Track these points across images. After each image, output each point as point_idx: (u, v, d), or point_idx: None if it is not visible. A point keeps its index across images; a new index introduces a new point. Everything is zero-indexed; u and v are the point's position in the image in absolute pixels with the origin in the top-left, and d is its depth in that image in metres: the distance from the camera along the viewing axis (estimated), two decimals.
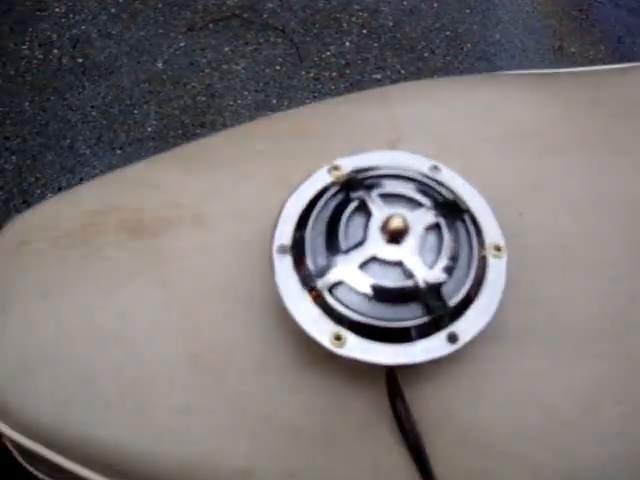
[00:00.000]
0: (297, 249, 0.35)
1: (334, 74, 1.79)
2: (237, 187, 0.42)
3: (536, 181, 0.43)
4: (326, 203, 0.36)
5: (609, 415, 0.37)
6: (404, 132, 0.44)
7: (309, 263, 0.34)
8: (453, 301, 0.34)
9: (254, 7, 1.89)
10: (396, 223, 0.33)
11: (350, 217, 0.35)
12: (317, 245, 0.35)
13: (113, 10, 1.86)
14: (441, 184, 0.37)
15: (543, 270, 0.39)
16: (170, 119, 1.69)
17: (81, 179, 1.58)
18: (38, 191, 1.57)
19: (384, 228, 0.34)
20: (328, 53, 1.83)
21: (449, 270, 0.34)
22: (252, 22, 1.86)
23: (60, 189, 1.58)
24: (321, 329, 0.34)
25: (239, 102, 1.73)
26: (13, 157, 1.64)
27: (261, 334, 0.37)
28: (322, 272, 0.34)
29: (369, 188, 0.36)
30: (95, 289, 0.39)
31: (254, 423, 0.36)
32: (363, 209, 0.36)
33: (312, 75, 1.79)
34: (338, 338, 0.33)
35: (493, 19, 2.01)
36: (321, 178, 0.37)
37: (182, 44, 1.82)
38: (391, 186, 0.36)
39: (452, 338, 0.34)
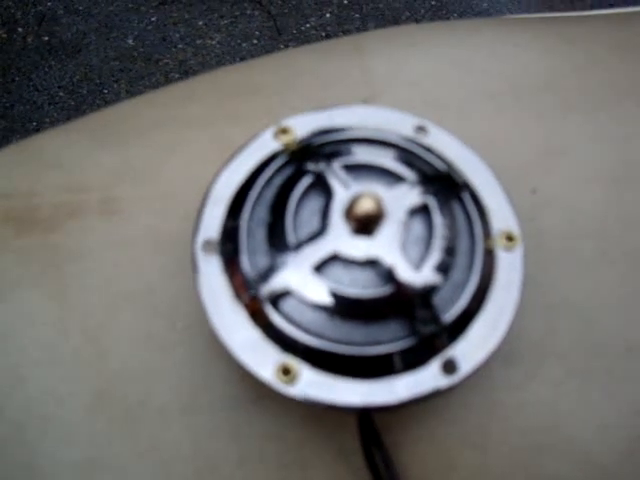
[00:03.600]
0: (229, 245, 0.24)
1: None
2: (160, 162, 0.31)
3: (551, 147, 0.33)
4: (270, 179, 0.25)
5: None
6: (380, 86, 0.33)
7: (244, 265, 0.24)
8: (449, 315, 0.23)
9: None
10: (366, 206, 0.22)
11: (303, 198, 0.24)
12: (257, 239, 0.24)
13: None
14: (429, 150, 0.26)
15: (566, 265, 0.29)
16: None
17: None
18: None
19: (349, 213, 0.23)
20: (307, 25, 1.72)
21: (443, 270, 0.24)
22: None
23: None
24: (263, 359, 0.23)
25: None
26: None
27: (188, 360, 0.27)
28: (263, 277, 0.23)
29: (330, 157, 0.25)
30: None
31: None
32: (321, 187, 0.25)
33: (290, 47, 1.68)
34: (286, 372, 0.23)
35: None
36: (265, 144, 0.26)
37: (153, 19, 1.70)
38: (360, 154, 0.25)
39: (449, 367, 0.23)
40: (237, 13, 1.73)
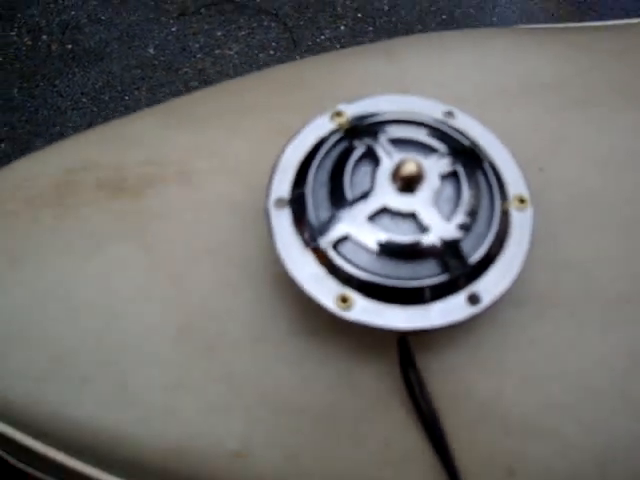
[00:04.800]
0: (297, 203, 0.31)
1: None
2: (227, 142, 0.37)
3: (557, 135, 0.39)
4: (328, 151, 0.32)
5: None
6: (413, 82, 0.39)
7: (311, 217, 0.30)
8: (473, 258, 0.30)
9: None
10: (409, 168, 0.29)
11: (356, 165, 0.31)
12: (319, 197, 0.31)
13: None
14: (457, 130, 0.33)
15: (569, 229, 0.35)
16: None
17: None
18: None
19: (395, 175, 0.30)
20: (323, 37, 1.79)
21: (468, 224, 0.30)
22: (245, 6, 1.81)
23: None
24: (325, 290, 0.29)
25: None
26: (2, 144, 1.59)
27: (257, 300, 0.33)
28: (325, 227, 0.30)
29: (376, 134, 0.32)
30: (71, 254, 0.35)
31: (250, 401, 0.32)
32: (370, 156, 0.31)
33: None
34: (344, 300, 0.29)
35: (490, 2, 1.96)
36: (322, 125, 0.33)
37: (174, 29, 1.77)
38: (401, 131, 0.32)
39: (473, 299, 0.29)
40: (254, 25, 1.80)
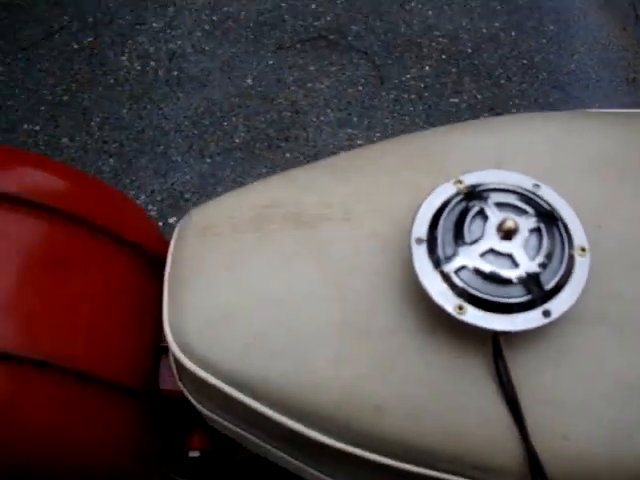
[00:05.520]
0: (430, 241, 0.48)
1: (413, 96, 1.93)
2: (377, 192, 0.55)
3: (612, 201, 0.56)
4: (453, 208, 0.49)
5: None
6: (508, 156, 0.56)
7: (440, 252, 0.47)
8: (548, 286, 0.46)
9: (340, 29, 2.03)
10: (508, 225, 0.46)
11: (472, 219, 0.48)
12: (446, 239, 0.48)
13: (207, 27, 2.03)
14: (541, 198, 0.49)
15: (617, 270, 0.51)
16: (257, 132, 1.84)
17: (172, 184, 1.74)
18: (132, 192, 1.74)
19: (499, 228, 0.47)
20: (408, 76, 1.96)
21: (546, 263, 0.47)
22: (337, 44, 2.00)
23: (153, 192, 1.74)
24: (447, 301, 0.46)
25: (322, 119, 1.87)
26: (111, 160, 1.80)
27: (397, 304, 0.50)
28: (449, 258, 0.47)
29: (486, 198, 0.49)
30: (268, 265, 0.53)
31: (388, 372, 0.49)
32: (481, 214, 0.48)
33: (392, 97, 1.92)
34: (460, 308, 0.46)
35: (569, 50, 2.11)
36: (448, 188, 0.50)
37: (271, 62, 1.97)
38: (502, 197, 0.49)
39: (546, 313, 0.46)
40: (345, 61, 1.99)
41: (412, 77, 1.96)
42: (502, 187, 0.50)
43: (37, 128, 1.84)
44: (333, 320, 0.51)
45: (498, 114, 1.90)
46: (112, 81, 1.93)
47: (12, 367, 0.50)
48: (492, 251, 0.47)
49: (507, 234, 0.46)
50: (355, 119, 1.87)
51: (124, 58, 1.97)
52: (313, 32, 2.02)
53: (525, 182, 0.50)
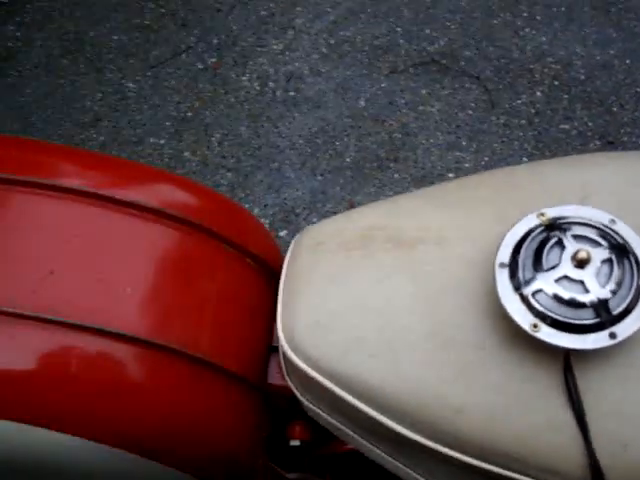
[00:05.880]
0: (512, 266, 0.55)
1: (523, 122, 1.98)
2: (469, 221, 0.63)
3: None
4: (534, 237, 0.56)
5: None
6: (592, 192, 0.63)
7: (520, 275, 0.55)
8: (616, 311, 0.53)
9: (453, 54, 2.11)
10: (582, 255, 0.53)
11: (550, 248, 0.55)
12: (526, 264, 0.55)
13: (324, 50, 2.15)
14: (616, 232, 0.56)
15: None
16: (367, 152, 1.94)
17: (284, 198, 1.86)
18: (247, 205, 1.86)
19: (574, 257, 0.54)
20: (519, 101, 2.02)
21: (616, 290, 0.53)
22: (450, 68, 2.08)
23: (266, 206, 1.86)
24: (524, 320, 0.54)
25: (431, 141, 1.95)
26: (228, 174, 1.93)
27: (481, 321, 0.58)
28: (529, 282, 0.54)
29: (565, 230, 0.56)
30: (368, 279, 0.62)
31: (469, 380, 0.57)
32: (559, 244, 0.55)
33: (502, 121, 1.98)
34: (535, 326, 0.53)
35: None
36: (531, 220, 0.57)
37: (383, 85, 2.07)
38: (580, 230, 0.56)
39: (612, 335, 0.53)
40: (457, 85, 2.06)
41: (523, 103, 2.01)
42: (580, 221, 0.57)
43: (162, 142, 2.00)
44: (424, 331, 0.59)
45: (609, 142, 1.92)
46: (233, 100, 2.07)
47: (146, 351, 0.60)
48: (566, 277, 0.54)
49: (580, 263, 0.53)
50: (464, 142, 1.94)
51: (245, 78, 2.12)
52: (426, 56, 2.11)
53: (602, 217, 0.57)
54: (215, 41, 2.19)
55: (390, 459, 0.63)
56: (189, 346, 0.61)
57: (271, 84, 2.10)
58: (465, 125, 1.98)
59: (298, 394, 0.66)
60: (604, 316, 0.53)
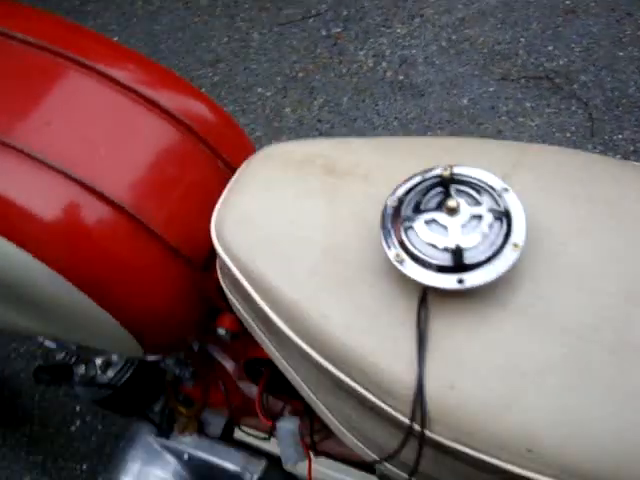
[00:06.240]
0: (400, 204, 0.63)
1: (618, 156, 1.97)
2: (396, 167, 0.70)
3: (583, 230, 0.65)
4: (427, 184, 0.63)
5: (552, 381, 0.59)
6: (517, 173, 0.69)
7: (402, 213, 0.62)
8: (469, 261, 0.59)
9: (568, 76, 2.12)
10: (452, 203, 0.60)
11: (435, 195, 0.62)
12: (410, 204, 0.62)
13: (444, 44, 2.21)
14: (501, 197, 0.62)
15: (554, 282, 0.62)
16: None
17: None
18: None
19: (445, 205, 0.60)
20: (620, 136, 2.01)
21: (478, 245, 0.60)
22: (561, 88, 2.10)
23: None
24: (391, 250, 0.61)
25: None
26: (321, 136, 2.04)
27: (369, 248, 0.65)
28: (405, 219, 0.62)
29: (455, 184, 0.63)
30: (294, 193, 0.71)
31: (343, 292, 0.65)
32: (445, 194, 0.62)
33: (597, 151, 1.98)
34: (398, 256, 0.61)
35: None
36: (437, 171, 0.64)
37: (491, 89, 2.11)
38: (468, 188, 0.62)
39: (460, 281, 0.59)
40: (562, 106, 2.07)
41: (624, 138, 2.00)
42: (474, 181, 0.63)
43: (268, 94, 2.14)
44: (321, 245, 0.67)
45: None
46: (344, 70, 2.18)
47: (105, 206, 0.72)
48: (435, 221, 0.61)
49: (449, 211, 0.60)
50: None
51: (361, 53, 2.22)
52: (541, 71, 2.13)
53: (497, 184, 0.63)
54: (344, 13, 2.30)
55: (277, 354, 0.72)
56: (138, 208, 0.72)
57: (384, 64, 2.19)
58: (559, 146, 1.99)
59: (221, 281, 0.76)
60: (456, 261, 0.60)
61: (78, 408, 1.72)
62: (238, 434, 1.15)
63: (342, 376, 0.63)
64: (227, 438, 1.16)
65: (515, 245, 0.60)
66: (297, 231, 0.69)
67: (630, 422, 0.54)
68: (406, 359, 0.61)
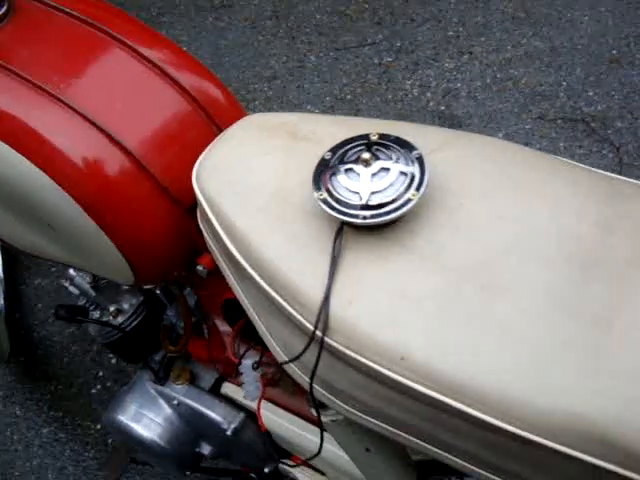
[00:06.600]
0: (330, 157, 0.78)
1: None
2: (342, 136, 0.86)
3: (485, 195, 0.79)
4: (356, 143, 0.79)
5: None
6: (442, 149, 0.83)
7: (331, 163, 0.77)
8: (372, 202, 0.73)
9: (604, 121, 2.23)
10: (365, 156, 0.75)
11: (358, 151, 0.77)
12: (337, 157, 0.78)
13: (488, 81, 2.36)
14: (413, 161, 0.77)
15: (449, 230, 0.76)
16: None
17: None
18: None
19: (361, 158, 0.75)
20: None
21: (380, 189, 0.74)
22: (595, 132, 2.21)
23: None
24: (317, 190, 0.76)
25: None
26: None
27: (309, 191, 0.80)
28: (331, 167, 0.77)
29: (378, 146, 0.78)
30: (260, 150, 0.86)
31: (280, 222, 0.80)
32: (368, 151, 0.78)
33: None
34: (322, 196, 0.76)
35: None
36: (366, 137, 0.80)
37: (527, 126, 2.24)
38: (388, 150, 0.77)
39: (364, 217, 0.72)
40: (594, 149, 2.18)
41: None
42: (393, 146, 0.78)
43: (316, 111, 2.32)
44: (272, 188, 0.82)
45: None
46: (390, 97, 2.35)
47: (109, 142, 0.90)
48: (351, 170, 0.76)
49: (363, 162, 0.75)
50: None
51: (408, 82, 2.38)
52: (578, 114, 2.25)
53: (414, 152, 0.78)
54: (398, 44, 2.48)
55: (236, 285, 0.87)
56: (141, 153, 0.90)
57: (428, 94, 2.35)
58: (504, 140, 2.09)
59: (200, 223, 0.92)
60: (361, 201, 0.74)
61: (101, 373, 1.90)
62: (225, 390, 1.31)
63: (272, 293, 0.77)
64: (215, 392, 1.32)
65: (414, 194, 0.74)
66: (255, 178, 0.85)
67: (486, 342, 0.65)
68: (319, 279, 0.74)
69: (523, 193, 0.79)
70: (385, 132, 0.82)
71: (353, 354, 0.71)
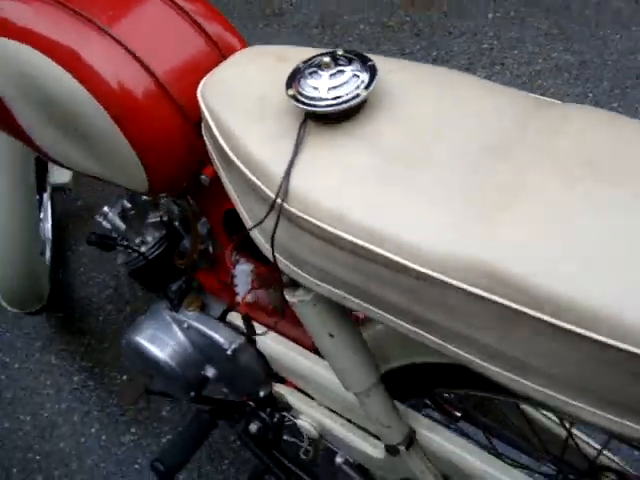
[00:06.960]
0: (300, 67, 0.96)
1: None
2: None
3: (440, 115, 0.95)
4: (323, 56, 0.96)
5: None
6: (407, 69, 1.00)
7: (302, 69, 0.95)
8: (331, 96, 0.91)
9: None
10: (325, 59, 0.92)
11: (323, 60, 0.95)
12: (306, 65, 0.96)
13: None
14: (367, 69, 0.94)
15: (382, 118, 0.93)
16: None
17: None
18: None
19: (322, 62, 0.93)
20: None
21: (335, 85, 0.91)
22: None
23: None
24: (291, 90, 0.94)
25: None
26: None
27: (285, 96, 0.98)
28: (302, 72, 0.95)
29: (343, 58, 0.95)
30: (253, 69, 1.06)
31: (264, 121, 0.99)
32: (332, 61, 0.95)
33: None
34: (293, 95, 0.92)
35: None
36: (333, 52, 0.97)
37: None
38: (348, 60, 0.95)
39: (329, 107, 0.91)
40: None
41: None
42: (355, 58, 0.96)
43: None
44: (259, 94, 1.00)
45: None
46: None
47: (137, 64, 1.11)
48: (315, 72, 0.93)
49: (323, 65, 0.92)
50: None
51: None
52: None
53: (369, 63, 0.95)
54: (434, 53, 2.66)
55: (230, 188, 1.04)
56: (162, 74, 1.09)
57: None
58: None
59: (204, 136, 1.09)
60: (320, 94, 0.91)
61: None
62: (230, 318, 1.49)
63: (246, 171, 0.93)
64: (222, 320, 1.50)
65: (363, 91, 0.91)
66: (248, 89, 1.02)
67: (409, 203, 0.80)
68: (284, 158, 0.92)
69: (457, 100, 0.95)
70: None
71: (307, 217, 0.85)
